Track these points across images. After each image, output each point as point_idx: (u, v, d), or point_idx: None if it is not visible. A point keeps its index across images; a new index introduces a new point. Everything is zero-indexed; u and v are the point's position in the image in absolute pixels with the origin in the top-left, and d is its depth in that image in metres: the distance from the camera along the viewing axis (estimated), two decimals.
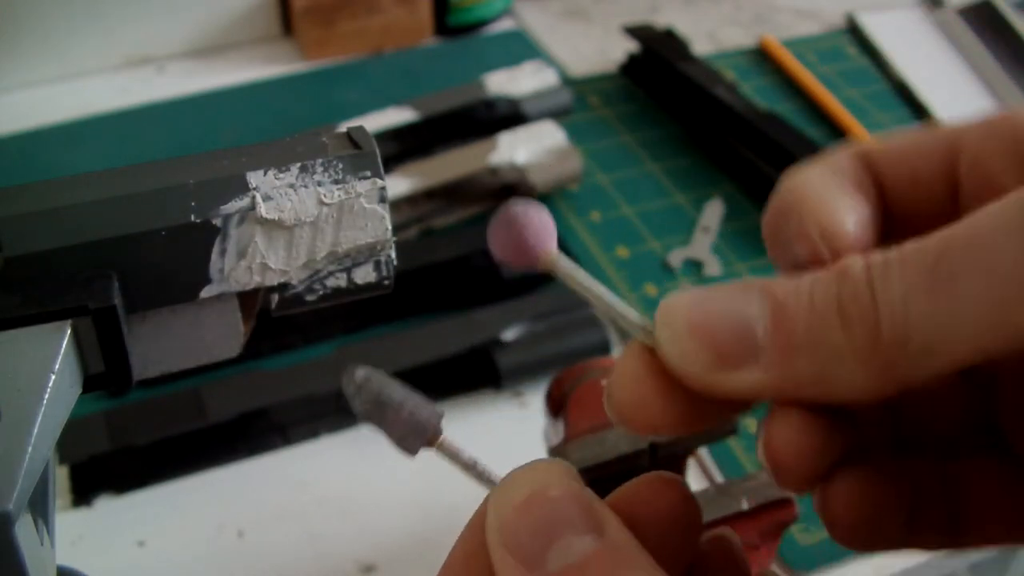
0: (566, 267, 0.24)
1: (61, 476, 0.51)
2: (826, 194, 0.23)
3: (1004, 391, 0.23)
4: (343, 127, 0.29)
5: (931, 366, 0.19)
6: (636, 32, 0.81)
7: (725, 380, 0.21)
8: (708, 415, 0.22)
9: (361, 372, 0.24)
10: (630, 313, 0.23)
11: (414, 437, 0.23)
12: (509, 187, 0.66)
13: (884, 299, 0.19)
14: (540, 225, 0.24)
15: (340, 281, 0.29)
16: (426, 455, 0.54)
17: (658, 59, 0.79)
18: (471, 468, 0.23)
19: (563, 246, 0.68)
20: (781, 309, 0.21)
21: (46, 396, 0.24)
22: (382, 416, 0.24)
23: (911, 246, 0.20)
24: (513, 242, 0.24)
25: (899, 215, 0.24)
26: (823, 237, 0.22)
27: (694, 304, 0.21)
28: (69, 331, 0.25)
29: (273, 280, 0.28)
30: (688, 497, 0.23)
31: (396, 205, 0.64)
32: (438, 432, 0.24)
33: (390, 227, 0.29)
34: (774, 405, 0.22)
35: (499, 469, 0.53)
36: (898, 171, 0.24)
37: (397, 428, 0.23)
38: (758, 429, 0.22)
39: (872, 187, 0.24)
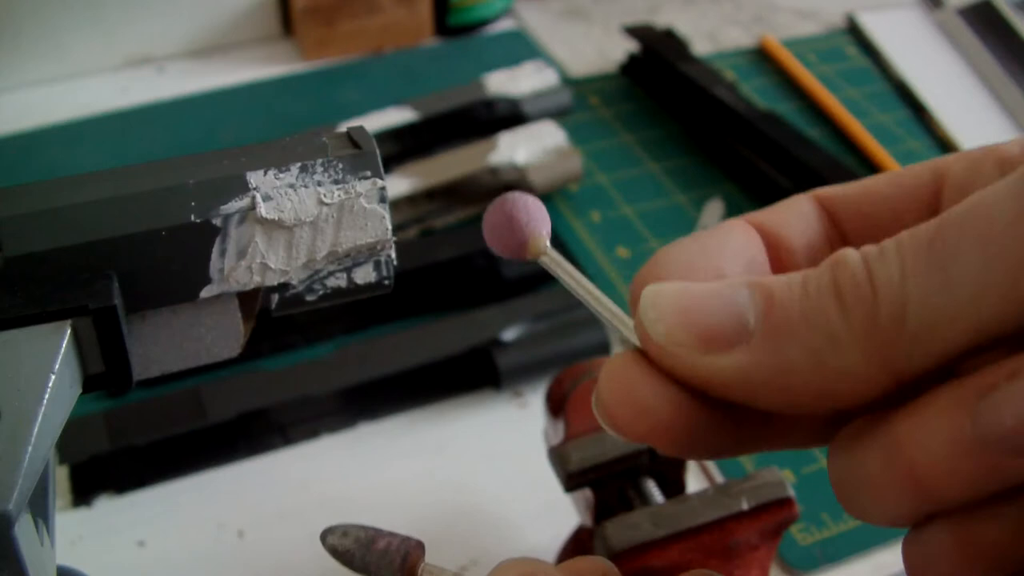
0: (554, 258, 0.24)
1: (61, 476, 0.51)
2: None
3: None
4: (343, 127, 0.29)
5: (931, 350, 0.19)
6: (636, 32, 0.81)
7: (711, 363, 0.20)
8: (698, 423, 0.21)
9: (338, 526, 0.25)
10: (617, 309, 0.23)
11: (397, 565, 0.24)
12: (509, 187, 0.66)
13: (882, 280, 0.19)
14: (532, 213, 0.24)
15: (340, 281, 0.29)
16: (416, 461, 0.54)
17: (658, 59, 0.79)
18: None
19: (564, 246, 0.68)
20: (772, 296, 0.20)
21: (46, 396, 0.24)
22: (366, 552, 0.24)
23: (906, 232, 0.19)
24: (503, 226, 0.24)
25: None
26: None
27: (682, 289, 0.21)
28: (69, 331, 0.25)
29: (273, 280, 0.28)
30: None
31: (396, 205, 0.64)
32: (420, 556, 0.24)
33: (390, 227, 0.29)
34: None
35: (499, 468, 0.53)
36: (862, 211, 0.25)
37: (379, 562, 0.24)
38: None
39: (830, 227, 0.25)
